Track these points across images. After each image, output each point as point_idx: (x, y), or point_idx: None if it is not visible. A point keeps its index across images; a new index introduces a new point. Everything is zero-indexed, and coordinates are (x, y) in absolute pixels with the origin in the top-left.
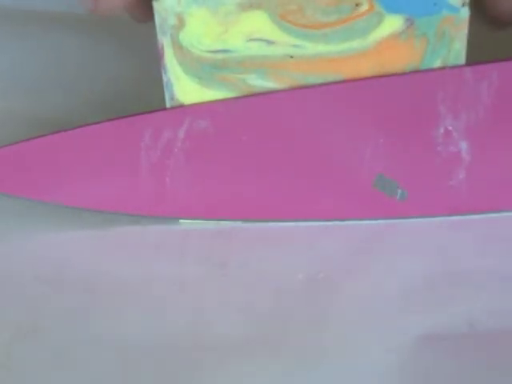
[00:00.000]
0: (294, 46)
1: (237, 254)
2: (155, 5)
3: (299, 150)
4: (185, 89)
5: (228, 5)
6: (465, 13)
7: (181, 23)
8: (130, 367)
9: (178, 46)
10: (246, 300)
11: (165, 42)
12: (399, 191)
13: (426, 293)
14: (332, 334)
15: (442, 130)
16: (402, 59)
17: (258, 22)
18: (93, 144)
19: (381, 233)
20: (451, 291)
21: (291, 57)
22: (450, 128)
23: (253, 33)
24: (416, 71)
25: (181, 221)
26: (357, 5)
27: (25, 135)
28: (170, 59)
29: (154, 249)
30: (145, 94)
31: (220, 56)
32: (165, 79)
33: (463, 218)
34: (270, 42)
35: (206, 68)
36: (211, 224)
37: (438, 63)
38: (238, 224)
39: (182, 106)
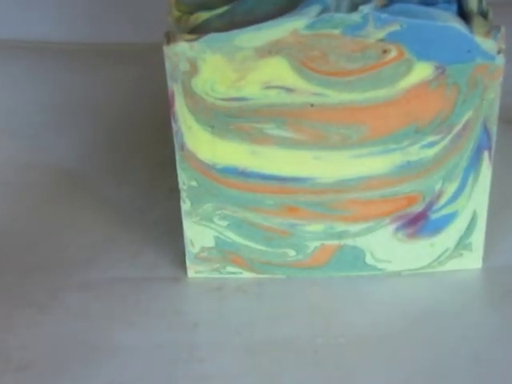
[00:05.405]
0: (316, 94)
1: None
2: (165, 50)
3: None
4: (196, 138)
5: (245, 50)
6: (500, 60)
7: (193, 69)
8: None
9: (189, 94)
10: None
11: (175, 89)
12: None
13: None
14: None
15: None
16: (431, 109)
17: (278, 69)
18: None
19: None
20: None
21: (312, 105)
22: None
23: (271, 80)
24: None
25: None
26: (384, 51)
27: None
28: (180, 107)
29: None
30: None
31: (235, 104)
32: (174, 128)
33: None
34: (289, 90)
35: (219, 117)
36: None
37: (469, 114)
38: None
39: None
